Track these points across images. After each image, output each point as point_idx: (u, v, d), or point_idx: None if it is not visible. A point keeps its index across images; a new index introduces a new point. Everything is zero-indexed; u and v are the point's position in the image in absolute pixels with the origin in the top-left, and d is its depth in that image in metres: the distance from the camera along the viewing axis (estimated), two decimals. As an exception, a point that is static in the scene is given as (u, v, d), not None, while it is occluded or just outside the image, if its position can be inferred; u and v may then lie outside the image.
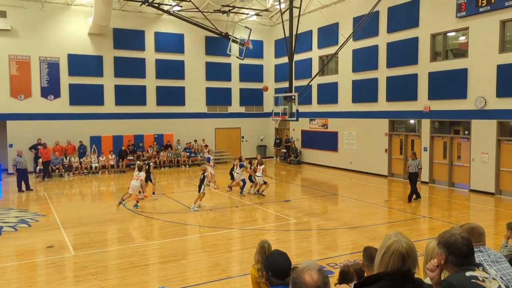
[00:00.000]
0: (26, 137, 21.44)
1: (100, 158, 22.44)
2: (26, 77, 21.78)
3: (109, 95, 23.74)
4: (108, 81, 23.70)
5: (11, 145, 21.45)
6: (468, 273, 2.63)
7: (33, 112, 21.89)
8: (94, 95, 23.28)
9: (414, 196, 14.58)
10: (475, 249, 3.17)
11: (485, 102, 15.54)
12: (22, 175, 17.08)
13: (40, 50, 21.96)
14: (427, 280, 2.96)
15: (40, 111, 22.08)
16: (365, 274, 4.35)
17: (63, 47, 22.46)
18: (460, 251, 2.67)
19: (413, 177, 14.45)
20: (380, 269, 2.32)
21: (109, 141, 23.46)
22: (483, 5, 15.44)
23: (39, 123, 21.97)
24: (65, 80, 22.66)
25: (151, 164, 15.60)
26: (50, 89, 22.37)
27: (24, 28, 21.61)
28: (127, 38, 23.97)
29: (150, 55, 24.77)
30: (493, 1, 15.10)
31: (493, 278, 2.65)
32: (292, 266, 3.10)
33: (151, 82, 24.86)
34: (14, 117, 21.49)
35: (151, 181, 15.25)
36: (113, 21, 22.60)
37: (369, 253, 3.90)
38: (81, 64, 22.83)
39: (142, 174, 13.96)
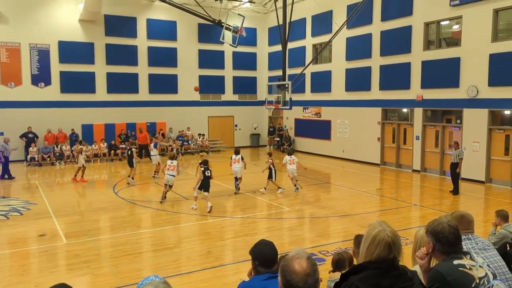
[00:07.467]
0: (16, 125, 21.20)
1: (93, 146, 22.33)
2: (16, 65, 21.46)
3: (100, 83, 23.50)
4: (100, 69, 23.43)
5: (1, 133, 21.23)
6: (455, 262, 2.67)
7: (23, 100, 21.61)
8: (85, 82, 23.03)
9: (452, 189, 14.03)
10: (464, 237, 3.21)
11: (477, 91, 15.61)
12: (7, 163, 17.16)
13: (30, 37, 21.61)
14: (416, 268, 3.00)
15: (30, 99, 21.81)
16: (355, 262, 4.41)
17: (54, 34, 22.12)
18: (446, 239, 2.71)
19: (453, 168, 13.97)
20: (367, 257, 2.36)
21: (101, 129, 23.32)
22: (476, -7, 15.41)
23: (30, 111, 21.72)
24: (56, 67, 22.38)
25: (133, 149, 16.38)
26: (41, 77, 22.09)
27: (14, 14, 21.21)
28: (119, 25, 23.66)
29: (142, 42, 24.50)
30: (486, -10, 15.08)
31: (480, 266, 2.69)
32: (282, 254, 3.13)
33: (143, 70, 24.63)
34: (4, 105, 21.22)
35: (133, 166, 16.10)
36: (105, 8, 22.26)
37: (360, 241, 3.92)
38: (72, 51, 22.52)
39: (175, 162, 13.01)
